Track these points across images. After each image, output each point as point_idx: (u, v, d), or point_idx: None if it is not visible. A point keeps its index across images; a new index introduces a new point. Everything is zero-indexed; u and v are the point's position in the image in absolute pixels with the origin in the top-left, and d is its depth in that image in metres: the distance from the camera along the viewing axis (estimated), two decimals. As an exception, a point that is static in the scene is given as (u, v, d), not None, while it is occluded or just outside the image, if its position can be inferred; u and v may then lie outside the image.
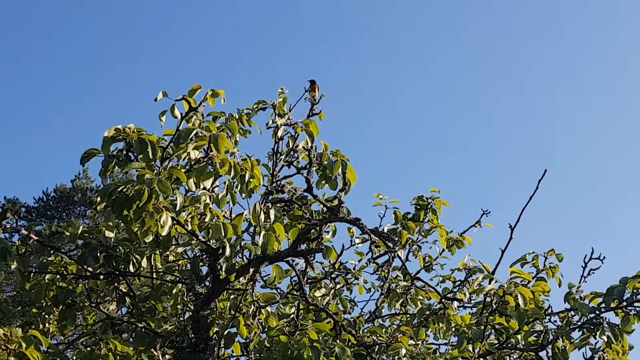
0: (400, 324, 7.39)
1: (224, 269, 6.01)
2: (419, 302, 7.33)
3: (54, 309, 6.51)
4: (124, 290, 6.56)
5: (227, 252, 5.87)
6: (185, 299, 6.55)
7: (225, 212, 6.24)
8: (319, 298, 7.10)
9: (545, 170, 7.07)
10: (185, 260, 6.71)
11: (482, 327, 5.92)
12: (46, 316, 6.61)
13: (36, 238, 5.94)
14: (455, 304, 7.23)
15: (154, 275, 6.64)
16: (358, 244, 7.45)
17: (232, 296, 6.47)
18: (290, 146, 6.91)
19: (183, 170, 5.57)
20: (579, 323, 5.96)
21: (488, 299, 6.12)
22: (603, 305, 5.88)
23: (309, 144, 6.72)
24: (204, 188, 5.74)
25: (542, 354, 5.92)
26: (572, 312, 6.10)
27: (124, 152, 5.54)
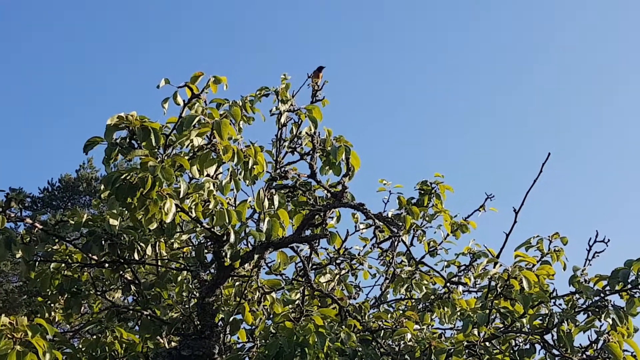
0: (406, 308, 7.40)
1: (228, 256, 6.01)
2: (423, 287, 7.33)
3: (60, 297, 6.52)
4: (129, 278, 6.57)
5: (232, 238, 5.87)
6: (191, 286, 6.56)
7: (230, 199, 6.23)
8: (324, 284, 7.10)
9: (549, 154, 7.06)
10: (190, 247, 6.72)
11: (487, 311, 5.91)
12: (52, 305, 6.62)
13: (41, 227, 5.95)
14: (460, 288, 7.24)
15: (159, 263, 6.66)
16: (362, 229, 7.45)
17: (237, 283, 6.48)
18: (294, 132, 6.90)
19: (186, 157, 5.56)
20: (584, 306, 5.94)
21: (493, 283, 6.10)
22: (608, 288, 5.86)
23: (313, 130, 6.70)
24: (208, 175, 5.73)
25: (548, 337, 5.90)
26: (577, 295, 6.09)
27: (127, 140, 5.51)
